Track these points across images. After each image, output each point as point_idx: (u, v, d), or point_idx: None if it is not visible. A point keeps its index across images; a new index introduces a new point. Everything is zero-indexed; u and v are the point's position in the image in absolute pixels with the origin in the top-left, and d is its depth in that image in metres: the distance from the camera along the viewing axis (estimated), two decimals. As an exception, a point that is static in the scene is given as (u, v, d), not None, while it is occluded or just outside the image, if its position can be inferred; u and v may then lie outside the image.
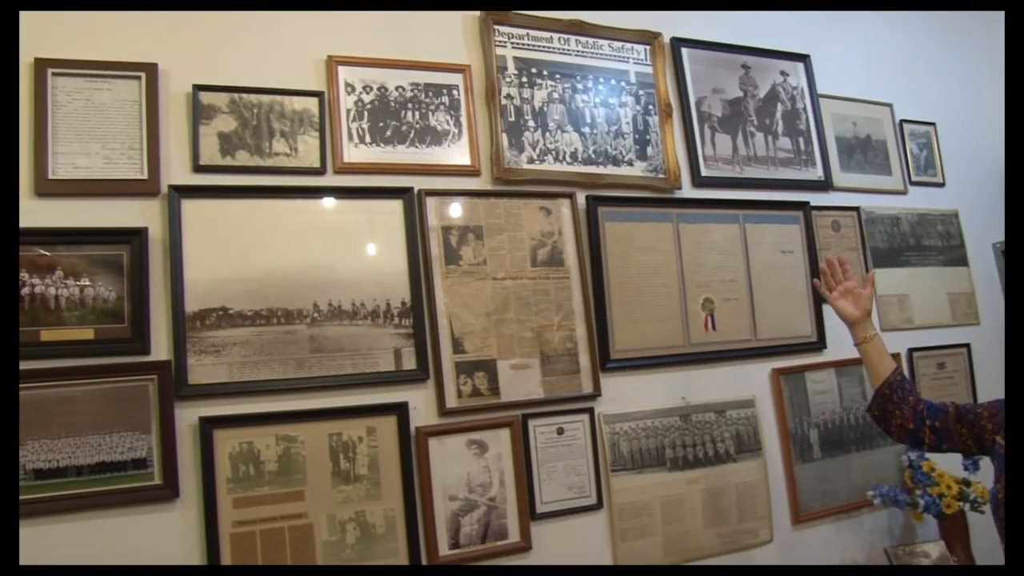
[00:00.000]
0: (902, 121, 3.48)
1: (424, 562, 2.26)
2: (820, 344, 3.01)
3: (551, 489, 2.44)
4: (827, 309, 3.02)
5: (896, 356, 2.66)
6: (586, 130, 2.71)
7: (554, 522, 2.44)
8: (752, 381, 2.84)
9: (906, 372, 3.13)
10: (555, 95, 2.69)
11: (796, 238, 3.05)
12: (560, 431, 2.48)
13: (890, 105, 3.46)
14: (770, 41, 3.21)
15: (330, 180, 2.35)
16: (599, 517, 2.51)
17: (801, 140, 3.17)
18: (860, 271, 3.17)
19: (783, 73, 3.20)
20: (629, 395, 2.61)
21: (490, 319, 2.44)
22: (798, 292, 3.00)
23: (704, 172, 2.90)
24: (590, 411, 2.53)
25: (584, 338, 2.56)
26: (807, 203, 3.09)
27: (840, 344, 3.00)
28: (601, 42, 2.82)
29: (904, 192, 3.41)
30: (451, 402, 2.35)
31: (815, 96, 3.24)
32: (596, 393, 2.55)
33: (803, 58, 3.26)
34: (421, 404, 2.33)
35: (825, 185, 3.18)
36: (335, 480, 2.20)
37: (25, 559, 1.91)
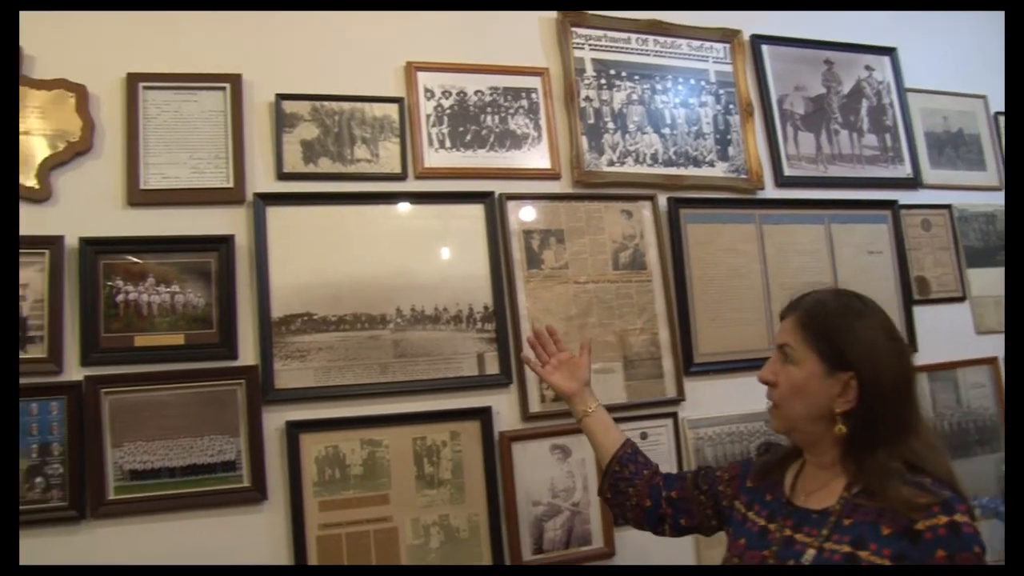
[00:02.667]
0: (997, 113, 3.33)
1: (508, 567, 2.26)
2: (911, 348, 2.90)
3: (635, 495, 2.41)
4: (918, 311, 2.94)
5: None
6: (666, 131, 2.68)
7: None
8: (840, 386, 2.75)
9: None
10: (634, 96, 2.66)
11: (884, 238, 2.95)
12: (644, 436, 2.44)
13: (984, 97, 3.32)
14: (854, 35, 3.11)
15: (411, 185, 2.37)
16: (684, 524, 2.46)
17: (888, 136, 3.07)
18: (954, 271, 3.05)
19: (868, 68, 3.10)
20: (713, 399, 2.56)
21: (572, 323, 2.42)
22: (887, 294, 2.89)
23: (787, 172, 2.83)
24: (674, 416, 2.49)
25: (667, 342, 2.52)
26: (895, 202, 2.99)
27: (932, 348, 2.90)
28: (680, 41, 2.78)
29: (1000, 188, 3.26)
30: (534, 407, 2.34)
31: (902, 90, 3.13)
32: (680, 397, 2.51)
33: (889, 51, 3.15)
34: (504, 409, 2.33)
35: (914, 183, 3.07)
36: (419, 484, 2.21)
37: (119, 557, 1.99)
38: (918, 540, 1.21)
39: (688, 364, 2.53)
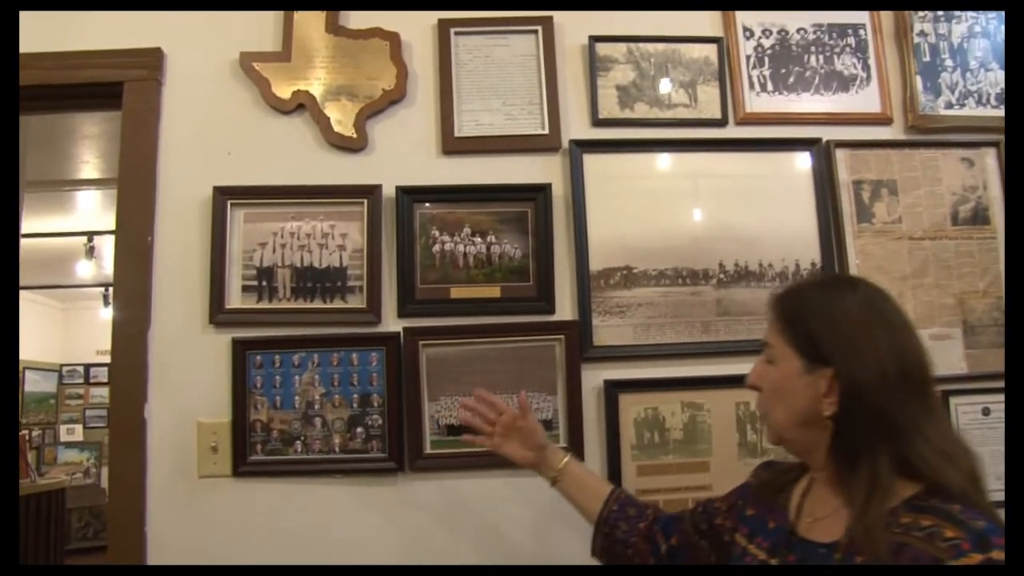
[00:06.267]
0: None
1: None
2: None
3: (975, 478, 2.15)
4: None
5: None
6: (1013, 67, 2.35)
7: (978, 515, 2.14)
8: None
9: None
10: (976, 28, 2.34)
11: None
12: (986, 412, 2.17)
13: None
14: None
15: (732, 132, 2.21)
16: (1034, 514, 2.18)
17: None
18: None
19: None
20: (1072, 376, 2.23)
21: (907, 283, 2.18)
22: None
23: None
24: (1021, 391, 2.20)
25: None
26: None
27: None
28: (1029, -39, 2.43)
29: None
30: (864, 372, 2.12)
31: None
32: (1028, 371, 2.21)
33: None
34: (832, 375, 2.13)
35: None
36: (741, 452, 2.06)
37: (434, 511, 2.00)
38: None
39: (1039, 333, 2.22)
